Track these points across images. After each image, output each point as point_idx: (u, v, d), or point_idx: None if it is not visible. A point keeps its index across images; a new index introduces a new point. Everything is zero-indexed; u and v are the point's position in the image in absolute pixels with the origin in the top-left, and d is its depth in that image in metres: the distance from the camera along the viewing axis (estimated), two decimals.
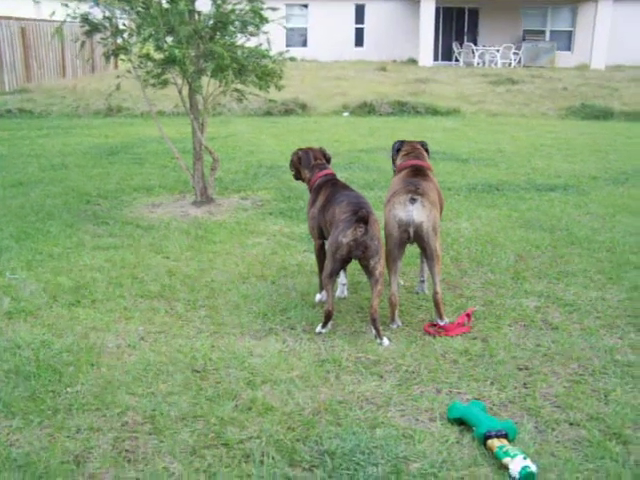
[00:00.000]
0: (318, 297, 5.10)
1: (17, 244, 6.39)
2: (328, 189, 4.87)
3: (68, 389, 3.78)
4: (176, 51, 6.87)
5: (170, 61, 7.08)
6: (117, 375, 3.94)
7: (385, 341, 4.38)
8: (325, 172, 5.11)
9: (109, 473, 3.06)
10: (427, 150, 5.41)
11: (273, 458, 3.16)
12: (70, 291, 5.27)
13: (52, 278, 5.53)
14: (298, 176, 5.45)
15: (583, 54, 30.15)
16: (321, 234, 4.89)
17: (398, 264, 4.73)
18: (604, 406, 3.64)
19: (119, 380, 3.88)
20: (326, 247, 4.60)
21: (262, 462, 3.13)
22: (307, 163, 5.28)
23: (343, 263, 4.48)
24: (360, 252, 4.32)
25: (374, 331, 4.42)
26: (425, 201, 4.58)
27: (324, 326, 4.55)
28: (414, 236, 4.57)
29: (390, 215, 4.60)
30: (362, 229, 4.28)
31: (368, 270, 4.41)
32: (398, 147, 5.42)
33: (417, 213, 4.52)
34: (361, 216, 4.26)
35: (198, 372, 3.99)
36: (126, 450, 3.24)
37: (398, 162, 5.29)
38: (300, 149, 5.44)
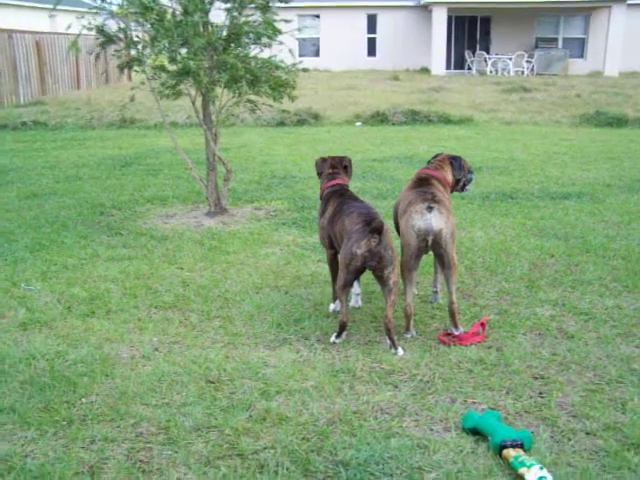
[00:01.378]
0: (332, 307, 5.09)
1: (32, 255, 6.43)
2: (337, 200, 4.87)
3: (83, 400, 3.79)
4: (190, 63, 6.91)
5: (184, 73, 7.13)
6: (131, 386, 3.94)
7: (400, 351, 4.37)
8: (334, 182, 5.10)
9: None
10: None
11: (287, 469, 3.15)
12: (84, 302, 5.29)
13: (66, 289, 5.56)
14: None
15: (596, 61, 30.06)
16: (331, 244, 4.89)
17: (414, 274, 4.71)
18: (621, 415, 3.60)
19: (133, 391, 3.88)
20: (339, 258, 4.59)
21: (277, 473, 3.12)
22: (320, 171, 5.28)
23: (357, 274, 4.47)
24: (375, 262, 4.31)
25: (389, 341, 4.41)
26: (442, 208, 4.56)
27: (338, 336, 4.54)
28: (432, 244, 4.54)
29: (408, 225, 4.58)
30: (376, 239, 4.28)
31: (382, 280, 4.39)
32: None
33: (435, 220, 4.50)
34: (375, 227, 4.26)
35: (212, 383, 3.99)
36: (140, 461, 3.24)
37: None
38: (322, 158, 5.44)
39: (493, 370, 4.13)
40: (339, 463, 3.18)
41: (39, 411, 3.67)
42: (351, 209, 4.62)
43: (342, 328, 4.51)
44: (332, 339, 4.55)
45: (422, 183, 4.93)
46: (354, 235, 4.35)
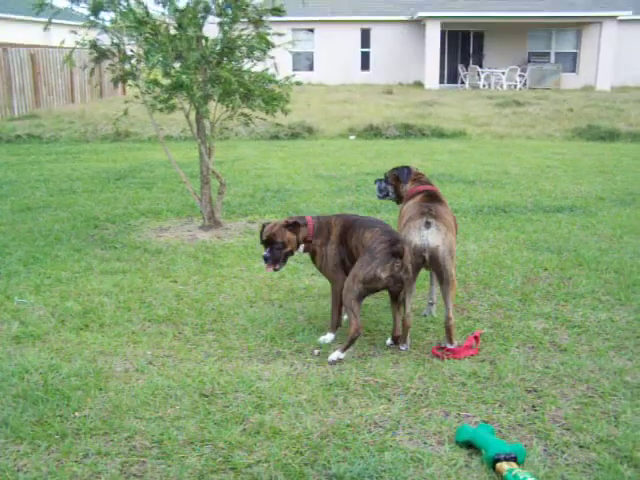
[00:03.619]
0: (327, 339, 4.83)
1: (25, 268, 6.42)
2: (336, 227, 4.84)
3: (76, 413, 3.78)
4: (183, 77, 6.93)
5: (178, 86, 7.15)
6: (125, 399, 3.94)
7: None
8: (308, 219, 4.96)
9: None
10: None
11: None
12: (78, 315, 5.28)
13: (60, 302, 5.55)
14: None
15: (588, 75, 30.28)
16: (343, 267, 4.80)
17: (413, 286, 4.72)
18: (614, 428, 3.61)
19: (127, 404, 3.88)
20: (354, 270, 4.49)
21: None
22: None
23: (373, 292, 4.58)
24: (394, 285, 4.46)
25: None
26: (440, 224, 4.56)
27: (345, 350, 4.48)
28: (430, 260, 4.54)
29: (405, 240, 4.59)
30: (399, 264, 4.36)
31: (396, 298, 4.62)
32: (408, 173, 5.36)
33: (432, 238, 4.51)
34: (397, 251, 4.34)
35: (206, 396, 3.98)
36: (134, 475, 3.24)
37: (408, 188, 5.26)
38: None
39: (486, 383, 4.14)
40: (333, 477, 3.18)
41: (32, 425, 3.66)
42: (370, 223, 4.68)
43: (352, 342, 4.49)
44: (337, 355, 4.45)
45: (432, 199, 4.88)
46: (379, 256, 4.38)
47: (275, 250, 4.78)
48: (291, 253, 4.87)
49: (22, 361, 4.42)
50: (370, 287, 4.44)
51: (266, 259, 4.80)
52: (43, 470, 3.26)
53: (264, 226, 4.88)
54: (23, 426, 3.63)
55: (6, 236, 7.62)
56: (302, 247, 4.89)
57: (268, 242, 4.79)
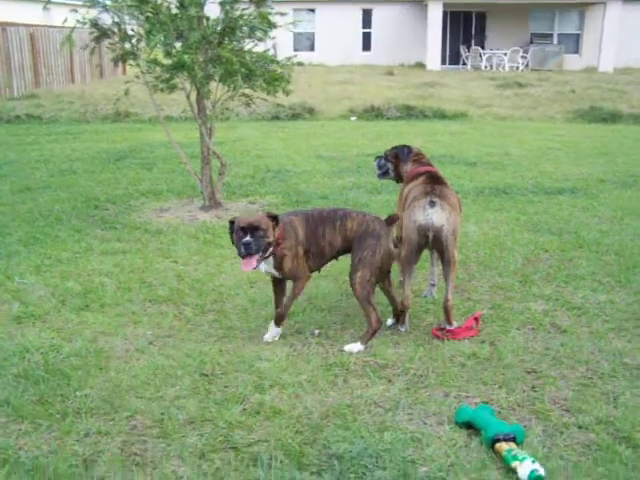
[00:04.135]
0: (271, 335, 4.58)
1: (26, 249, 6.42)
2: (301, 226, 4.52)
3: (77, 393, 3.79)
4: (185, 57, 6.89)
5: (179, 67, 7.11)
6: (126, 379, 3.95)
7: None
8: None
9: (118, 477, 3.07)
10: None
11: (281, 462, 3.16)
12: (79, 296, 5.28)
13: (61, 283, 5.55)
14: None
15: (591, 57, 30.10)
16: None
17: (413, 268, 4.71)
18: (613, 409, 3.62)
19: (127, 384, 3.89)
20: (363, 263, 4.38)
21: (270, 466, 3.13)
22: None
23: (385, 274, 4.59)
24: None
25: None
26: (445, 204, 4.54)
27: (366, 342, 4.45)
28: (433, 240, 4.52)
29: (409, 220, 4.58)
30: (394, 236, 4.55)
31: (386, 273, 4.61)
32: (408, 152, 5.33)
33: (437, 217, 4.49)
34: (391, 219, 4.54)
35: (206, 376, 3.99)
36: (135, 454, 3.25)
37: (408, 168, 5.23)
38: None
39: (486, 364, 4.15)
40: (332, 456, 3.19)
41: (33, 404, 3.67)
42: (343, 213, 4.61)
43: (374, 334, 4.48)
44: (357, 347, 4.38)
45: (436, 180, 4.85)
46: (382, 233, 4.46)
47: (258, 238, 4.17)
48: (269, 246, 4.27)
49: (23, 341, 4.43)
50: (385, 267, 4.47)
51: (248, 246, 4.14)
52: (44, 449, 3.27)
53: (235, 219, 4.32)
54: (24, 405, 3.65)
55: (6, 217, 7.62)
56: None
57: (250, 229, 4.17)
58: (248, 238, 4.15)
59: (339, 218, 4.50)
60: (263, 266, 4.39)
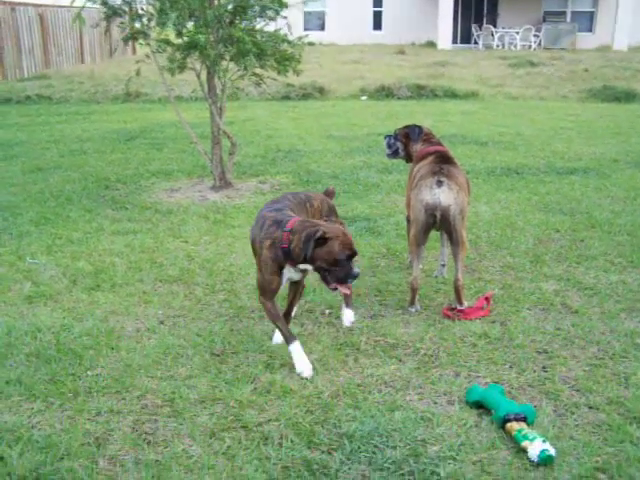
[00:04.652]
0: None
1: (37, 229, 6.44)
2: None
3: (88, 372, 3.81)
4: (199, 36, 6.85)
5: (192, 46, 7.07)
6: (137, 358, 3.96)
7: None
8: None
9: (129, 455, 3.09)
10: None
11: (292, 441, 3.17)
12: (90, 275, 5.30)
13: (72, 263, 5.57)
14: None
15: (605, 35, 29.74)
16: None
17: (422, 249, 4.70)
18: (624, 390, 3.61)
19: (138, 363, 3.91)
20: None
21: (281, 445, 3.14)
22: None
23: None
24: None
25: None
26: (452, 184, 4.51)
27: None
28: (441, 220, 4.50)
29: (417, 199, 4.55)
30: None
31: None
32: (419, 132, 5.29)
33: (444, 196, 4.46)
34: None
35: (217, 355, 4.01)
36: (146, 432, 3.27)
37: (418, 148, 5.20)
38: None
39: (497, 344, 4.14)
40: (343, 435, 3.20)
41: (45, 383, 3.69)
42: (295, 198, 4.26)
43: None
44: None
45: (445, 160, 4.81)
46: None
47: None
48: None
49: (35, 321, 4.46)
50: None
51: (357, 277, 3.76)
52: (57, 427, 3.30)
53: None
54: (36, 384, 3.67)
55: (17, 197, 7.64)
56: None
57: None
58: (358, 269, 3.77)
59: (307, 200, 4.27)
60: (292, 274, 3.93)
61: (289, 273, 3.87)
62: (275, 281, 3.83)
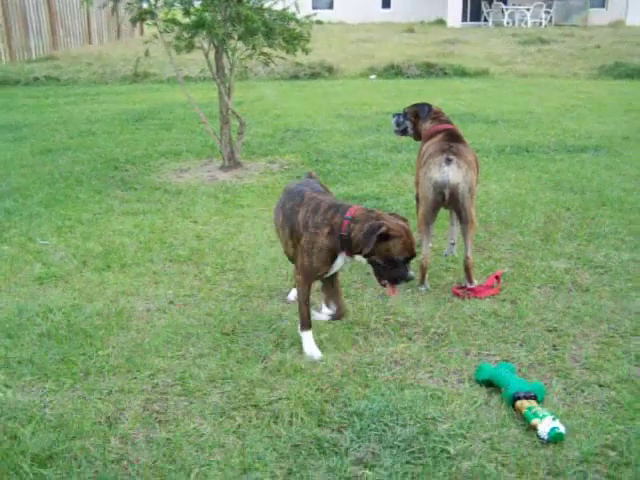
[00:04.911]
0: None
1: (47, 210, 6.46)
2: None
3: (99, 352, 3.83)
4: (207, 15, 6.81)
5: (200, 25, 7.03)
6: (147, 338, 3.98)
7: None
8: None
9: (140, 434, 3.11)
10: None
11: (302, 419, 3.18)
12: (100, 256, 5.32)
13: (82, 243, 5.59)
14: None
15: (618, 10, 29.40)
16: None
17: (431, 227, 4.69)
18: (635, 368, 3.60)
19: (149, 343, 3.92)
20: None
21: (291, 423, 3.15)
22: None
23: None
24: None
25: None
26: (461, 162, 4.49)
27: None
28: (449, 198, 4.48)
29: (425, 177, 4.54)
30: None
31: None
32: (428, 110, 5.23)
33: (453, 174, 4.44)
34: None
35: (227, 335, 4.02)
36: (157, 411, 3.29)
37: (427, 126, 5.15)
38: None
39: (507, 323, 4.13)
40: (353, 413, 3.20)
41: (57, 363, 3.71)
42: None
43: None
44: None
45: (454, 138, 4.77)
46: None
47: None
48: None
49: (45, 301, 4.48)
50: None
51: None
52: (68, 407, 3.32)
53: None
54: (48, 364, 3.69)
55: (27, 178, 7.65)
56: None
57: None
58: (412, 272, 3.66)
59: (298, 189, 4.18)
60: (343, 264, 3.78)
61: (341, 262, 3.71)
62: (324, 269, 3.71)
